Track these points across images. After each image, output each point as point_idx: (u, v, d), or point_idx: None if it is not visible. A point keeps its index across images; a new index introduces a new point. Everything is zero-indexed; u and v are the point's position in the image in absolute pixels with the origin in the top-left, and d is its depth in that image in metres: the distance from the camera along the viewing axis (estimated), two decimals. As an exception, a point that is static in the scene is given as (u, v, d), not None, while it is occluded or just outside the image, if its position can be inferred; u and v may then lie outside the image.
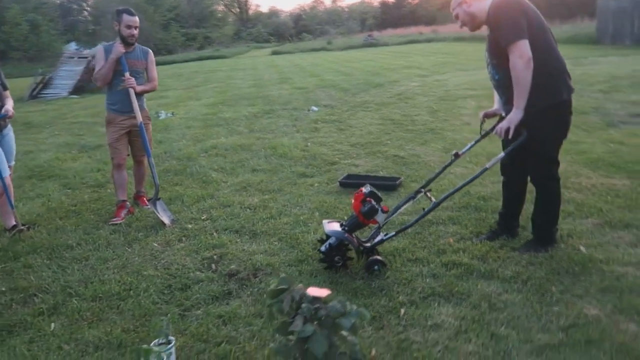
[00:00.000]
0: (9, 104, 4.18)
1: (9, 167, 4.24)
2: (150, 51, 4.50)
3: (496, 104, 3.36)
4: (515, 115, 2.96)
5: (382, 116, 8.21)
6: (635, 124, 6.54)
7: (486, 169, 3.13)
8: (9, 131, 4.27)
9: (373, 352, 2.38)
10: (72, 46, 30.74)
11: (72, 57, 17.00)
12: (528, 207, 3.54)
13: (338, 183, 4.88)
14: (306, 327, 1.88)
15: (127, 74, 4.18)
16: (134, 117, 4.27)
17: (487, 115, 3.43)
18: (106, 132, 4.46)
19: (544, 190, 3.23)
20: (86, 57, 16.18)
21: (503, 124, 3.01)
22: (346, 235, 3.12)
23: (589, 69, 11.26)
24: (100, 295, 3.11)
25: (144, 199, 4.71)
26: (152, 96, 12.04)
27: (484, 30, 3.24)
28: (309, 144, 6.62)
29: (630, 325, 2.45)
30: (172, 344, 2.43)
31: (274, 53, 34.18)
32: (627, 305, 2.60)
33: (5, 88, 4.22)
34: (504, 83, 3.08)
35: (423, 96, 9.92)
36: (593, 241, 3.33)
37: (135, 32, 4.23)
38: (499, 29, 2.95)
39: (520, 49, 2.85)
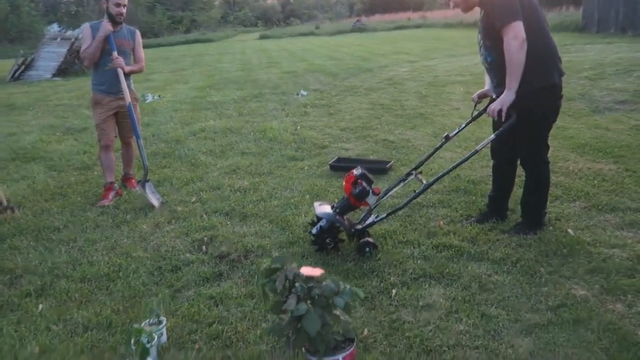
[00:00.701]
0: None
1: None
2: (138, 31, 4.40)
3: (487, 86, 3.36)
4: (507, 97, 2.96)
5: (371, 101, 8.19)
6: (620, 110, 6.61)
7: (477, 151, 3.14)
8: None
9: (365, 332, 2.40)
10: (54, 27, 30.05)
11: (55, 39, 16.60)
12: (517, 191, 3.57)
13: (328, 166, 4.87)
14: (300, 305, 1.88)
15: (114, 53, 4.09)
16: (122, 98, 4.19)
17: (480, 96, 3.43)
18: (93, 114, 4.37)
19: (534, 173, 3.26)
20: (70, 39, 15.82)
21: (495, 105, 3.02)
22: (337, 217, 3.12)
23: (574, 57, 11.32)
24: (89, 276, 3.08)
25: (133, 181, 4.65)
26: (138, 79, 11.84)
27: (475, 14, 3.23)
28: (298, 127, 6.58)
29: (617, 305, 2.49)
30: (163, 324, 2.42)
31: (262, 37, 33.77)
32: (613, 285, 2.65)
33: None
34: (496, 65, 3.08)
35: (412, 81, 9.90)
36: (581, 224, 3.38)
37: (124, 10, 4.13)
38: (493, 9, 2.94)
39: (514, 30, 2.84)
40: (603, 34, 16.82)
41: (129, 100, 4.18)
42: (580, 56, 11.40)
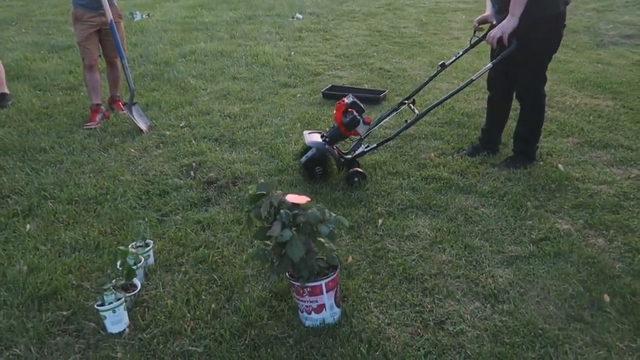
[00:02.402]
0: None
1: None
2: None
3: (488, 11, 3.20)
4: (509, 23, 2.83)
5: (369, 27, 7.87)
6: (625, 45, 6.41)
7: (472, 80, 3.05)
8: None
9: (350, 259, 2.44)
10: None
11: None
12: (511, 125, 3.51)
13: (321, 94, 4.75)
14: (284, 232, 1.88)
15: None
16: (104, 14, 3.96)
17: (481, 22, 3.27)
18: (74, 31, 4.16)
19: (529, 106, 3.19)
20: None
21: (495, 32, 2.89)
22: (327, 146, 3.07)
23: (585, -14, 10.83)
24: (76, 198, 3.07)
25: (120, 103, 4.53)
26: (126, -5, 11.27)
27: None
28: (292, 53, 6.36)
29: (599, 240, 2.53)
30: (150, 247, 2.44)
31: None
32: (597, 221, 2.67)
33: None
34: (498, -11, 2.92)
35: (413, 7, 9.49)
36: (571, 159, 3.36)
37: None
38: None
39: None
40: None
41: (111, 17, 3.95)
42: (590, -15, 10.90)
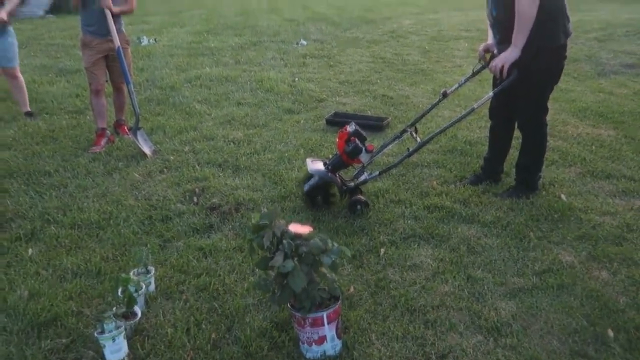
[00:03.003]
0: (5, 8, 4.64)
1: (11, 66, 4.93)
2: None
3: (489, 40, 3.25)
4: (511, 54, 2.87)
5: (372, 54, 7.99)
6: (626, 74, 6.48)
7: (474, 109, 3.08)
8: (7, 36, 4.78)
9: (351, 289, 2.42)
10: (48, -39, 28.72)
11: (48, -27, 15.93)
12: (513, 154, 3.53)
13: (325, 121, 4.79)
14: (286, 262, 1.88)
15: (102, -8, 3.91)
16: (112, 41, 4.03)
17: (485, 50, 3.29)
18: (82, 56, 4.23)
19: (531, 136, 3.21)
20: (63, -26, 15.18)
21: (497, 62, 2.93)
22: (329, 174, 3.09)
23: (585, 15, 11.00)
24: (79, 223, 3.07)
25: (125, 127, 4.58)
26: (134, 21, 11.49)
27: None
28: (296, 79, 6.44)
29: (603, 273, 2.51)
30: (151, 274, 2.44)
31: (264, -19, 32.55)
32: (601, 253, 2.66)
33: None
34: (500, 20, 2.97)
35: (416, 35, 9.64)
36: (574, 190, 3.36)
37: None
38: None
39: None
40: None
41: (118, 43, 4.03)
42: (591, 15, 11.08)
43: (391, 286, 2.44)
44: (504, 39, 3.00)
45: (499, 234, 2.87)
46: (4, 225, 3.09)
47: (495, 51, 3.16)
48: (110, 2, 3.94)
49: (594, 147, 4.08)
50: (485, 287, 2.42)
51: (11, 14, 4.79)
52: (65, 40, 9.59)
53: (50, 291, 2.43)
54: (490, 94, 3.10)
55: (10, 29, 4.84)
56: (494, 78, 3.18)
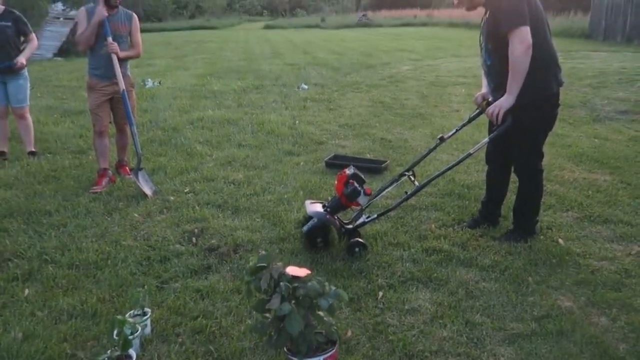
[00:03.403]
0: (25, 53, 4.94)
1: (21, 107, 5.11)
2: (135, 15, 4.35)
3: (484, 89, 3.34)
4: (506, 101, 2.95)
5: (372, 98, 8.16)
6: (620, 120, 6.61)
7: (470, 154, 3.14)
8: (19, 78, 5.00)
9: (349, 333, 2.40)
10: (59, 6, 29.73)
11: (58, 18, 16.48)
12: (511, 197, 3.56)
13: (324, 163, 4.85)
14: (283, 305, 1.88)
15: (109, 39, 4.04)
16: (117, 84, 4.15)
17: (484, 98, 3.36)
18: (87, 98, 4.35)
19: (527, 181, 3.25)
20: (72, 19, 15.70)
21: (492, 109, 3.01)
22: (328, 217, 3.11)
23: (579, 63, 11.30)
24: (77, 263, 3.07)
25: (126, 168, 4.64)
26: (139, 64, 11.80)
27: (479, 14, 3.20)
28: (297, 122, 6.56)
29: (602, 319, 2.49)
30: (147, 316, 2.42)
31: (267, 27, 33.61)
32: (600, 298, 2.65)
33: (25, 34, 4.99)
34: (495, 69, 3.07)
35: (414, 80, 9.87)
36: (572, 234, 3.38)
37: None
38: (500, 12, 2.91)
39: (521, 34, 2.82)
40: (609, 42, 16.79)
41: (123, 87, 4.14)
42: (585, 63, 11.38)
43: (389, 330, 2.41)
44: (498, 87, 3.09)
45: (497, 278, 2.87)
46: (1, 265, 3.08)
47: (490, 99, 3.25)
48: (117, 48, 4.08)
49: (590, 191, 4.12)
50: (484, 332, 2.39)
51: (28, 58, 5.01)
52: (72, 82, 9.84)
53: (45, 333, 2.40)
54: (486, 139, 3.16)
55: (23, 71, 5.01)
56: (490, 123, 3.26)
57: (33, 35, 5.08)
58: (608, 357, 2.21)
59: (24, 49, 5.00)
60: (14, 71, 4.88)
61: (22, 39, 5.04)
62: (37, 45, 5.29)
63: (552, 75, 3.03)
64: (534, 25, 2.90)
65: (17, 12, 5.01)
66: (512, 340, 2.35)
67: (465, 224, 3.53)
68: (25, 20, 5.08)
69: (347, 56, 13.97)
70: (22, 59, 4.84)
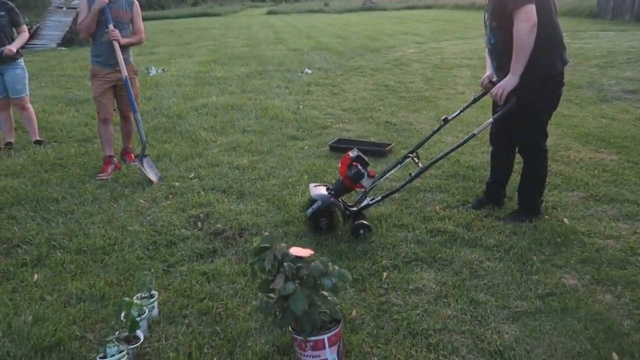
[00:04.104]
0: (15, 43, 4.89)
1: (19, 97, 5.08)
2: (136, 1, 4.32)
3: (488, 69, 3.31)
4: (510, 81, 2.92)
5: (376, 82, 8.11)
6: (628, 100, 6.53)
7: (474, 135, 3.12)
8: (16, 68, 4.94)
9: (353, 312, 2.42)
10: (62, -4, 29.66)
11: (61, 7, 16.44)
12: (516, 178, 3.55)
13: (328, 147, 4.85)
14: (287, 285, 1.89)
15: (110, 26, 4.03)
16: (119, 71, 4.15)
17: (490, 79, 3.32)
18: (91, 86, 4.35)
19: (531, 161, 3.24)
20: (75, 8, 15.64)
21: (497, 89, 2.98)
22: (332, 199, 3.12)
23: (586, 43, 11.14)
24: (85, 248, 3.11)
25: (132, 155, 4.66)
26: (143, 52, 11.78)
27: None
28: (301, 106, 6.54)
29: (606, 296, 2.50)
30: (154, 298, 2.45)
31: (270, 13, 33.36)
32: (604, 276, 2.65)
33: (17, 24, 5.01)
34: (498, 48, 3.04)
35: (419, 63, 9.79)
36: (577, 214, 3.37)
37: None
38: None
39: (527, 12, 2.78)
40: (617, 21, 16.53)
41: (126, 74, 4.14)
42: (593, 43, 11.23)
43: (393, 310, 2.43)
44: (501, 66, 3.06)
45: (501, 257, 2.87)
46: (10, 251, 3.13)
47: (495, 79, 3.22)
48: (119, 34, 4.07)
49: (596, 171, 4.09)
50: (488, 311, 2.41)
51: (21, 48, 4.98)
52: (76, 71, 9.85)
53: (55, 316, 2.44)
54: (490, 120, 3.14)
55: (20, 61, 4.99)
56: (494, 104, 3.23)
57: (25, 27, 5.10)
58: (612, 333, 2.22)
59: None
60: (3, 60, 4.84)
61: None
62: (28, 37, 5.26)
63: (557, 55, 2.99)
64: (540, 4, 2.86)
65: (11, 3, 5.01)
66: (516, 317, 2.36)
67: (469, 205, 3.53)
68: (18, 11, 5.09)
69: (351, 40, 13.87)
70: (10, 47, 4.80)
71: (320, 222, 3.15)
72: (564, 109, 5.88)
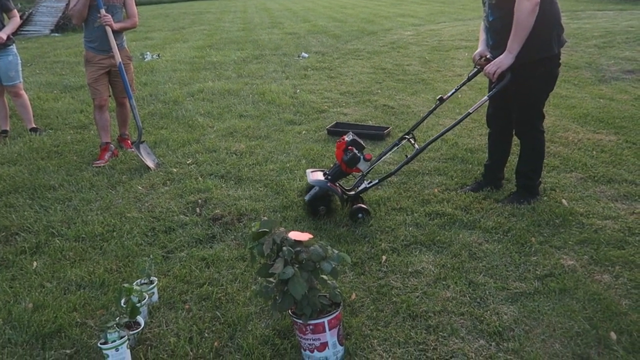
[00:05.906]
0: (5, 29, 4.78)
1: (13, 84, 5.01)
2: None
3: (481, 45, 3.27)
4: (506, 59, 2.90)
5: (373, 65, 8.05)
6: (627, 80, 6.50)
7: (469, 113, 3.10)
8: (8, 55, 4.88)
9: (353, 295, 2.43)
10: (54, -19, 29.22)
11: (54, -7, 16.22)
12: (514, 160, 3.54)
13: (326, 131, 4.83)
14: (286, 269, 1.89)
15: (102, 11, 3.96)
16: (113, 57, 4.10)
17: (482, 56, 3.28)
18: (85, 72, 4.31)
19: (528, 143, 3.23)
20: (68, -7, 15.45)
21: (491, 66, 2.96)
22: (329, 184, 3.11)
23: (585, 23, 11.06)
24: (83, 235, 3.10)
25: (128, 141, 4.63)
26: (137, 37, 11.66)
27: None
28: (298, 91, 6.50)
29: (605, 276, 2.51)
30: (154, 284, 2.46)
31: (265, -4, 32.93)
32: (603, 257, 2.66)
33: (8, 9, 4.89)
34: (496, 26, 3.01)
35: (416, 46, 9.71)
36: (575, 195, 3.37)
37: None
38: None
39: None
40: (616, 0, 16.38)
41: (119, 59, 4.09)
42: (591, 23, 11.14)
43: (393, 292, 2.44)
44: (497, 44, 3.03)
45: (500, 239, 2.88)
46: (9, 239, 3.12)
47: (488, 55, 3.18)
48: (111, 19, 4.01)
49: (594, 152, 4.08)
50: (487, 292, 2.42)
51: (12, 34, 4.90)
52: (70, 57, 9.75)
53: (55, 303, 2.45)
54: (485, 97, 3.12)
55: (12, 48, 4.92)
56: (490, 83, 3.21)
57: (15, 12, 4.97)
58: (610, 312, 2.23)
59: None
60: None
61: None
62: (19, 23, 5.16)
63: (554, 36, 2.96)
64: None
65: None
66: (515, 298, 2.37)
67: (468, 187, 3.52)
68: None
69: (347, 23, 13.73)
70: (1, 34, 4.71)
71: (319, 207, 3.14)
72: (562, 89, 5.85)
